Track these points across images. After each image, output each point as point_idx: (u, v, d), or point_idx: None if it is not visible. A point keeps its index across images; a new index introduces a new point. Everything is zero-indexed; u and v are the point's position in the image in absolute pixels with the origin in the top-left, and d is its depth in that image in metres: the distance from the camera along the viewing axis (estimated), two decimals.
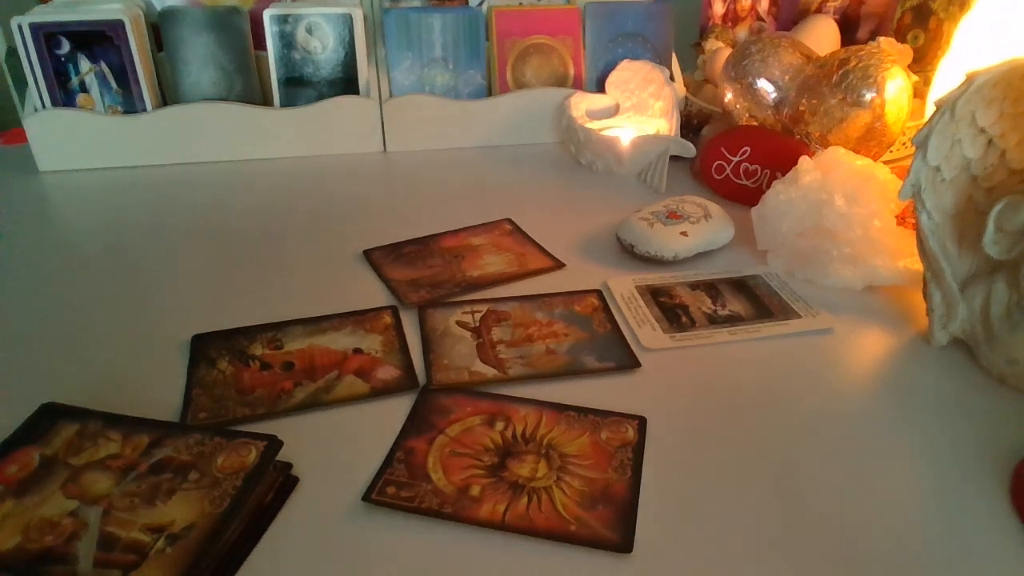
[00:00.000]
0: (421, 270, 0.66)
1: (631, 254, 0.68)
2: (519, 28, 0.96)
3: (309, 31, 0.90)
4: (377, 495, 0.41)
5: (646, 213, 0.69)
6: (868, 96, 0.72)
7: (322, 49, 0.91)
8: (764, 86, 0.81)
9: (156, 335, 0.56)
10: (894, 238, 0.62)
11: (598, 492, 0.42)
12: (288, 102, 0.92)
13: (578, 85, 0.99)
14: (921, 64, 0.93)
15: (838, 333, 0.57)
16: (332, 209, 0.79)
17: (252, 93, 0.92)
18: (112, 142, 0.88)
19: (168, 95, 0.91)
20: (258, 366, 0.52)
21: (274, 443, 0.42)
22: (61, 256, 0.69)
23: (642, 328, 0.57)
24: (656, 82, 0.90)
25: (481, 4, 1.00)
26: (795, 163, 0.67)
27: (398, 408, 0.49)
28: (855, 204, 0.62)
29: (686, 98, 0.98)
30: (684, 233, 0.66)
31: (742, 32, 1.12)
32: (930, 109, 0.50)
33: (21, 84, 0.87)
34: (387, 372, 0.52)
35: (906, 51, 0.89)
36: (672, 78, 0.96)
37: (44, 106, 0.87)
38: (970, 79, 0.48)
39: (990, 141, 0.52)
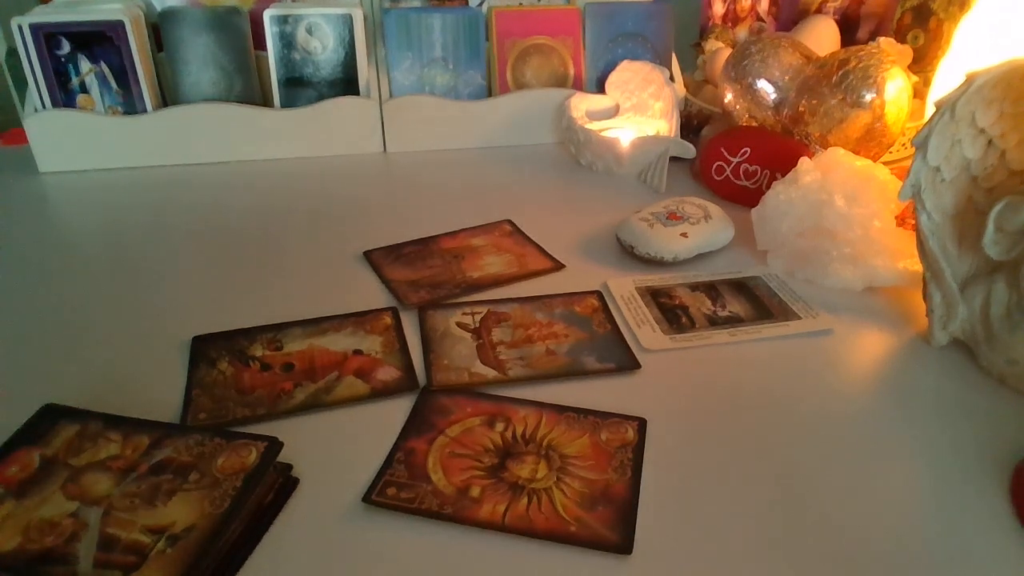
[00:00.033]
0: (421, 271, 0.66)
1: (631, 255, 0.68)
2: (519, 28, 0.96)
3: (309, 31, 0.90)
4: (377, 496, 0.41)
5: (646, 214, 0.69)
6: (868, 97, 0.72)
7: (322, 49, 0.91)
8: (764, 87, 0.81)
9: (156, 335, 0.56)
10: (894, 239, 0.62)
11: (598, 493, 0.42)
12: (288, 103, 0.92)
13: (578, 85, 0.99)
14: (921, 64, 0.93)
15: (838, 334, 0.57)
16: (332, 210, 0.79)
17: (252, 94, 0.92)
18: (112, 143, 0.88)
19: (168, 96, 0.91)
20: (258, 367, 0.53)
21: (274, 444, 0.42)
22: (61, 257, 0.69)
23: (642, 329, 0.57)
24: (656, 83, 0.90)
25: (481, 4, 1.00)
26: (795, 164, 0.67)
27: (398, 409, 0.49)
28: (855, 205, 0.62)
29: (686, 99, 0.98)
30: (684, 234, 0.66)
31: (742, 32, 1.12)
32: (930, 110, 0.50)
33: (21, 84, 0.87)
34: (387, 373, 0.52)
35: (906, 51, 0.89)
36: (672, 79, 0.96)
37: (44, 107, 0.87)
38: (970, 79, 0.48)
39: (990, 141, 0.52)
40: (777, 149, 0.77)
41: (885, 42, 0.82)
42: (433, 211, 0.78)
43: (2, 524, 0.38)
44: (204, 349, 0.54)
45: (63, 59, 0.85)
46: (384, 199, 0.82)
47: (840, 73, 0.74)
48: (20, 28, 0.83)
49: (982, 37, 0.71)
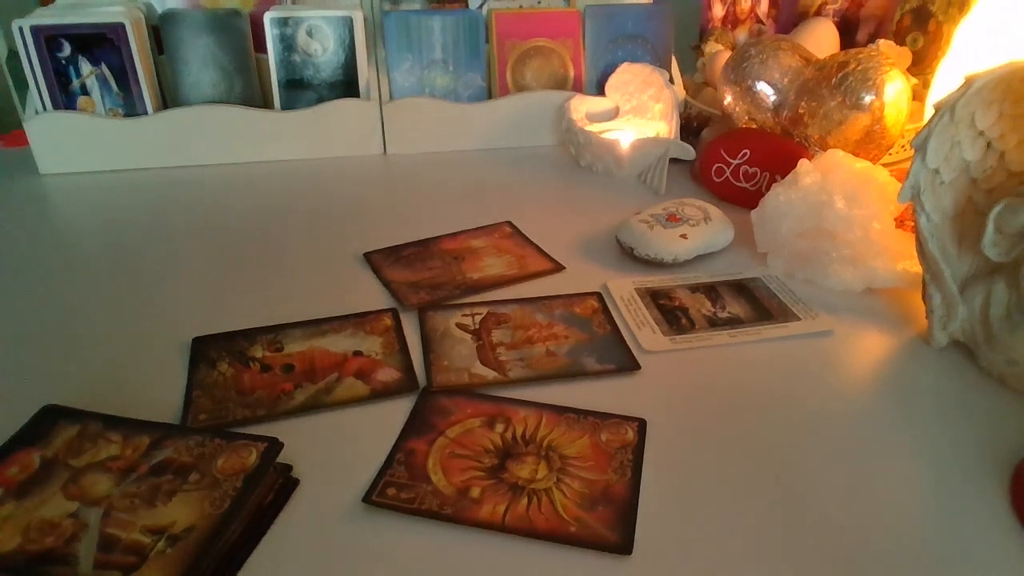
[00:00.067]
0: (421, 272, 0.66)
1: (631, 256, 0.68)
2: (519, 30, 0.96)
3: (309, 34, 0.90)
4: (377, 496, 0.41)
5: (646, 216, 0.69)
6: (867, 99, 0.72)
7: (322, 51, 0.91)
8: (763, 89, 0.81)
9: (156, 336, 0.57)
10: (893, 240, 0.62)
11: (598, 493, 0.42)
12: (288, 105, 0.92)
13: (578, 87, 0.99)
14: (920, 67, 0.93)
15: (838, 335, 0.57)
16: (332, 211, 0.79)
17: (252, 96, 0.92)
18: (113, 145, 0.88)
19: (168, 98, 0.91)
20: (258, 368, 0.53)
21: (274, 445, 0.42)
22: (62, 258, 0.70)
23: (642, 330, 0.57)
24: (656, 85, 0.90)
25: (481, 6, 1.00)
26: (794, 165, 0.67)
27: (398, 410, 0.49)
28: (855, 206, 0.62)
29: (686, 101, 0.98)
30: (684, 236, 0.66)
31: (741, 35, 1.12)
32: (929, 111, 0.50)
33: (22, 86, 0.87)
34: (387, 374, 0.52)
35: (905, 54, 0.90)
36: (672, 81, 0.96)
37: (45, 108, 0.87)
38: (969, 81, 0.48)
39: (989, 143, 0.52)
40: (777, 151, 0.77)
41: (884, 44, 0.82)
42: (433, 213, 0.79)
43: (2, 524, 0.38)
44: (204, 350, 0.54)
45: (64, 61, 0.85)
46: (384, 201, 0.82)
47: (839, 75, 0.74)
48: (21, 30, 0.83)
49: (981, 39, 0.71)
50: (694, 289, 0.63)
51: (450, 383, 0.51)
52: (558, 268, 0.67)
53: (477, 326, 0.58)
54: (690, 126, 0.96)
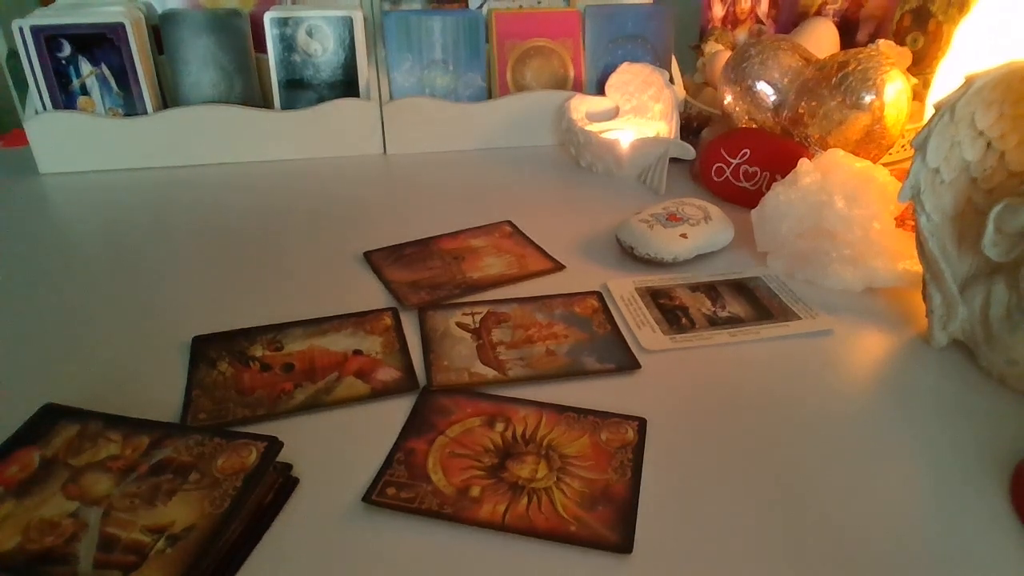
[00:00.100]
0: (421, 272, 0.66)
1: (631, 256, 0.68)
2: (519, 30, 0.96)
3: (309, 34, 0.90)
4: (377, 496, 0.41)
5: (646, 215, 0.69)
6: (867, 99, 0.72)
7: (322, 51, 0.91)
8: (763, 88, 0.81)
9: (156, 336, 0.57)
10: (893, 240, 0.62)
11: (598, 493, 0.42)
12: (288, 104, 0.92)
13: (578, 87, 0.99)
14: (920, 67, 0.93)
15: (838, 334, 0.57)
16: (332, 211, 0.79)
17: (252, 96, 0.92)
18: (113, 144, 0.88)
19: (168, 97, 0.91)
20: (258, 367, 0.53)
21: (274, 444, 0.42)
22: (62, 257, 0.70)
23: (642, 330, 0.57)
24: (656, 85, 0.90)
25: (481, 6, 1.00)
26: (794, 165, 0.67)
27: (398, 409, 0.49)
28: (855, 206, 0.62)
29: (686, 100, 0.98)
30: (684, 235, 0.66)
31: (741, 35, 1.12)
32: (929, 111, 0.50)
33: (22, 86, 0.87)
34: (387, 373, 0.52)
35: (905, 54, 0.90)
36: (672, 81, 0.96)
37: (45, 108, 0.87)
38: (969, 81, 0.48)
39: (989, 143, 0.52)
40: (777, 151, 0.77)
41: (884, 44, 0.82)
42: (433, 212, 0.79)
43: (2, 524, 0.38)
44: (204, 349, 0.54)
45: (64, 61, 0.85)
46: (384, 200, 0.82)
47: (839, 75, 0.74)
48: (21, 30, 0.83)
49: (981, 39, 0.71)
50: (694, 288, 0.63)
51: (450, 382, 0.51)
52: (558, 267, 0.67)
53: (477, 325, 0.58)
54: (690, 126, 0.96)
